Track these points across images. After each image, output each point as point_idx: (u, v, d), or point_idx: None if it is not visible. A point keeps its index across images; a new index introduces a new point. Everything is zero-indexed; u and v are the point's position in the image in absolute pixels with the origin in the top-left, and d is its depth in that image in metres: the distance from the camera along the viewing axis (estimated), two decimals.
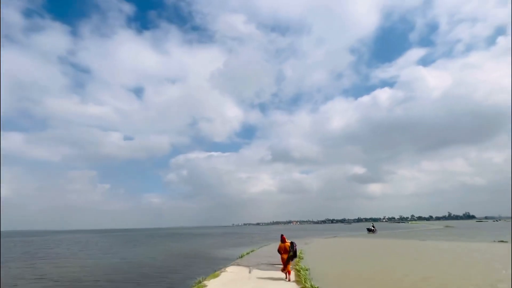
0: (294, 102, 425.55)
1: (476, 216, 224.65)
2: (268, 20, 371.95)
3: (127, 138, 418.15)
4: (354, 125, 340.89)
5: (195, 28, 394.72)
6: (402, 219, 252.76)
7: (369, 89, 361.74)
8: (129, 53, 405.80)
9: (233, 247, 26.84)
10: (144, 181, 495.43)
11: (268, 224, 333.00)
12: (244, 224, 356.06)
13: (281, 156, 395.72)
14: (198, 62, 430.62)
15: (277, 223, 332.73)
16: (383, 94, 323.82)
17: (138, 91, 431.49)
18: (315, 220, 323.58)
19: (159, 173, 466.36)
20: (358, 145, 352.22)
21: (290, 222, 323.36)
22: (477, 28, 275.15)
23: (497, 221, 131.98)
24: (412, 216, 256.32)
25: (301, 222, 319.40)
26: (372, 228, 45.27)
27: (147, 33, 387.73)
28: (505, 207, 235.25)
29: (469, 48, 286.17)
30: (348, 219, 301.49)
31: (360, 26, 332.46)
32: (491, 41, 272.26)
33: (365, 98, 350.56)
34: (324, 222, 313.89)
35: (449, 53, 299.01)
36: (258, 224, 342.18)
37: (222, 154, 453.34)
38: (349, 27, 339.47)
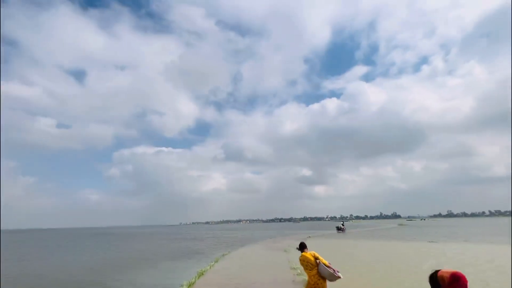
0: (250, 103, 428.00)
1: (401, 215, 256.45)
2: (229, 19, 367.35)
3: (61, 126, 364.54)
4: (304, 130, 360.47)
5: (150, 15, 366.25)
6: (343, 218, 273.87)
7: (319, 97, 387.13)
8: (69, 31, 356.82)
9: (174, 259, 16.10)
10: (80, 175, 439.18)
11: (217, 222, 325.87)
12: (193, 223, 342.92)
13: (234, 155, 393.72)
14: (152, 52, 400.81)
15: (227, 221, 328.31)
16: (331, 104, 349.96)
17: (78, 75, 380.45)
18: (264, 219, 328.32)
19: (100, 167, 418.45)
20: (306, 148, 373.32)
21: (240, 220, 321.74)
22: (407, 55, 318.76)
23: (423, 219, 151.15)
24: (351, 215, 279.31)
25: (251, 221, 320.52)
26: (342, 226, 42.38)
27: (94, 11, 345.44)
28: (422, 207, 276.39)
29: (401, 71, 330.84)
30: (295, 218, 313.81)
31: (314, 39, 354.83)
32: (417, 67, 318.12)
33: (315, 106, 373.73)
34: (273, 220, 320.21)
35: (385, 73, 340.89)
36: (207, 222, 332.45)
37: (173, 150, 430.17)
38: (305, 38, 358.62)
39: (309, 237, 29.97)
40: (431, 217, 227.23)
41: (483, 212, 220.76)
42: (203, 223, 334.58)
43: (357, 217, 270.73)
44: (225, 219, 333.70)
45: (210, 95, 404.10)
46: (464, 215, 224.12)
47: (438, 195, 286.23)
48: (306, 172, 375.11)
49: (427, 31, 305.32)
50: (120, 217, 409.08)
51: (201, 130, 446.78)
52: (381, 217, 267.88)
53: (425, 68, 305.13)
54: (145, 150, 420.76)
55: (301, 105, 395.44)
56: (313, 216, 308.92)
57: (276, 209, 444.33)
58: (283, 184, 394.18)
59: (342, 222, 46.61)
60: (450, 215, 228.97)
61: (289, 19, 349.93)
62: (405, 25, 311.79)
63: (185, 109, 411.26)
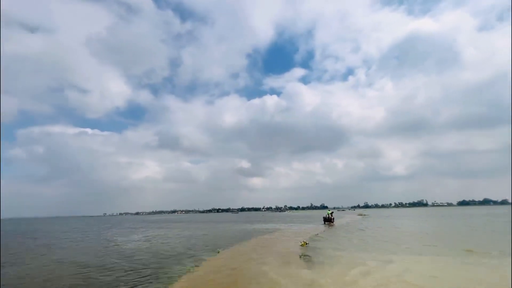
0: (190, 90, 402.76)
1: (328, 206, 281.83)
2: None
3: None
4: (245, 124, 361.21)
5: None
6: (278, 209, 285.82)
7: (261, 93, 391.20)
8: None
9: None
10: None
11: (149, 213, 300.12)
12: (120, 214, 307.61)
13: (170, 143, 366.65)
14: (74, 18, 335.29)
15: (161, 212, 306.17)
16: (271, 101, 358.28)
17: None
18: (201, 209, 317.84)
19: None
20: (246, 141, 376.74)
21: (175, 211, 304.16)
22: (337, 65, 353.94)
23: (344, 210, 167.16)
24: (285, 206, 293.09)
25: (187, 211, 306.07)
26: (330, 216, 33.20)
27: None
28: (344, 199, 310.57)
29: (332, 78, 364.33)
30: (233, 209, 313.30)
31: (258, 37, 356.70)
32: (345, 77, 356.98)
33: (256, 101, 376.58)
34: (210, 211, 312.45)
35: (319, 79, 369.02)
36: (137, 213, 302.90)
37: (99, 133, 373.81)
38: (249, 34, 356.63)
39: (317, 235, 21.30)
40: (351, 207, 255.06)
41: (390, 204, 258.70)
42: (132, 213, 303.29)
43: (291, 208, 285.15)
44: (158, 210, 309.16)
45: (144, 77, 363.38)
46: (376, 206, 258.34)
47: (356, 189, 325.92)
48: (245, 164, 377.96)
49: (354, 47, 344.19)
50: (27, 206, 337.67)
51: (134, 114, 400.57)
52: (312, 207, 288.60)
53: (351, 78, 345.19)
54: (63, 130, 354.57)
55: (243, 99, 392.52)
56: (250, 206, 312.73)
57: (213, 200, 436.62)
58: (221, 174, 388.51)
59: (331, 211, 35.31)
60: (366, 206, 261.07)
61: (234, 12, 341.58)
62: (337, 38, 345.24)
63: (114, 89, 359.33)
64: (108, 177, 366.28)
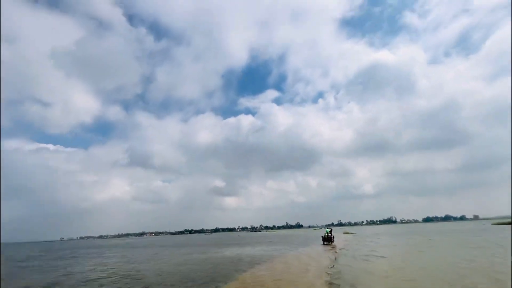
0: (164, 108, 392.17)
1: (303, 225, 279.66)
2: (144, 15, 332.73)
3: None
4: (220, 142, 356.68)
5: None
6: (253, 228, 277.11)
7: (236, 113, 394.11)
8: None
9: None
10: None
11: (115, 236, 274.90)
12: (81, 238, 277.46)
13: (141, 161, 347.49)
14: (40, 29, 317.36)
15: (127, 235, 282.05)
16: (246, 120, 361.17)
17: None
18: (172, 231, 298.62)
19: None
20: (220, 160, 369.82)
21: (144, 233, 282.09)
22: (308, 89, 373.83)
23: (321, 228, 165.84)
24: (261, 225, 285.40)
25: (157, 233, 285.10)
26: (330, 235, 28.26)
27: None
28: (318, 218, 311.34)
29: (303, 101, 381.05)
30: (207, 229, 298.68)
31: (233, 58, 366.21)
32: (315, 100, 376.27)
33: (232, 120, 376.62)
34: (182, 232, 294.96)
35: (291, 101, 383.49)
36: (101, 237, 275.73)
37: (63, 149, 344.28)
38: (224, 55, 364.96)
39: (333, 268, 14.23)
40: (325, 226, 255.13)
41: (362, 222, 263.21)
42: (95, 237, 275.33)
43: (267, 227, 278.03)
44: (125, 232, 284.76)
45: (114, 93, 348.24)
46: (349, 224, 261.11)
47: (329, 207, 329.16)
48: (219, 183, 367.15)
49: (323, 72, 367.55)
50: None
51: (103, 130, 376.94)
52: (287, 226, 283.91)
53: (321, 101, 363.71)
54: (19, 145, 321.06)
55: (218, 118, 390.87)
56: (224, 227, 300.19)
57: (186, 220, 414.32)
58: (194, 194, 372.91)
59: (330, 230, 30.20)
60: (340, 224, 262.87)
61: (210, 33, 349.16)
62: (307, 64, 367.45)
63: (81, 103, 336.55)
64: (69, 197, 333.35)
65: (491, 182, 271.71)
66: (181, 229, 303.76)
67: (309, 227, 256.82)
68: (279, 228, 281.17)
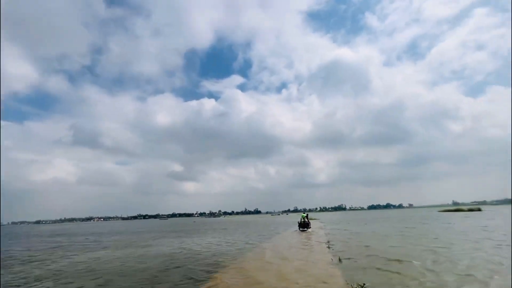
0: (118, 83, 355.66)
1: (261, 211, 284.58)
2: None
3: None
4: (179, 125, 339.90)
5: None
6: (212, 214, 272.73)
7: (198, 96, 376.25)
8: None
9: None
10: None
11: (56, 221, 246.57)
12: (13, 223, 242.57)
13: (89, 140, 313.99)
14: None
15: (72, 220, 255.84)
16: (209, 104, 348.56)
17: None
18: (124, 216, 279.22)
19: None
20: (180, 144, 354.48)
21: (91, 218, 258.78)
22: (272, 78, 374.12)
23: (279, 214, 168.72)
24: (219, 211, 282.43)
25: (106, 219, 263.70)
26: (306, 221, 25.36)
27: None
28: (275, 204, 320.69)
29: (267, 89, 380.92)
30: (163, 215, 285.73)
31: (197, 39, 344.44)
32: (279, 90, 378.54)
33: (193, 103, 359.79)
34: (135, 217, 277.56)
35: (255, 88, 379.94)
36: (38, 222, 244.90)
37: None
38: (188, 34, 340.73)
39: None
40: (282, 212, 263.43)
41: (316, 208, 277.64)
42: (31, 222, 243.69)
43: (225, 213, 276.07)
44: (68, 217, 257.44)
45: (56, 61, 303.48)
46: (304, 210, 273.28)
47: (286, 194, 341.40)
48: (178, 167, 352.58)
49: (288, 63, 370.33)
50: None
51: (41, 103, 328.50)
52: (246, 212, 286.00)
53: (284, 92, 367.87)
54: None
55: (179, 100, 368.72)
56: (182, 212, 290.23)
57: (140, 205, 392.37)
58: (151, 178, 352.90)
59: (306, 214, 27.31)
60: (295, 210, 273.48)
61: (173, 8, 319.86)
62: (273, 53, 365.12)
63: (13, 69, 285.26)
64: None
65: (423, 176, 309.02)
66: (134, 214, 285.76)
67: (267, 213, 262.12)
68: (237, 213, 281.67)
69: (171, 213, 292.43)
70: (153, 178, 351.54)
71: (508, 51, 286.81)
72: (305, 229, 24.57)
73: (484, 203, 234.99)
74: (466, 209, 51.71)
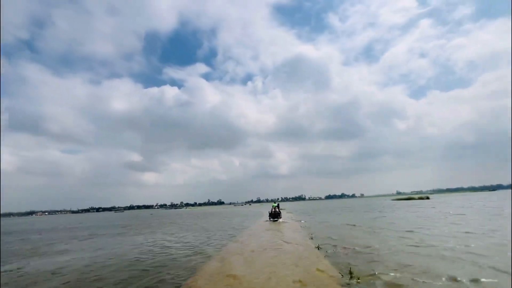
0: (66, 63, 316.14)
1: (225, 202, 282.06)
2: None
3: None
4: (139, 113, 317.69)
5: None
6: (173, 205, 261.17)
7: (160, 82, 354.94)
8: None
9: None
10: None
11: None
12: None
13: (29, 125, 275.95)
14: None
15: (9, 215, 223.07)
16: (171, 92, 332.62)
17: None
18: (74, 209, 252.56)
19: None
20: (139, 133, 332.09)
21: (32, 212, 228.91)
22: (238, 69, 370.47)
23: (243, 205, 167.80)
24: (181, 202, 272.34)
25: (52, 212, 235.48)
26: (277, 210, 23.56)
27: None
28: (239, 195, 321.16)
29: (232, 80, 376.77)
30: (119, 207, 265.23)
31: (158, 20, 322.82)
32: (244, 82, 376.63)
33: (154, 90, 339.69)
34: (87, 211, 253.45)
35: (220, 79, 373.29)
36: None
37: None
38: (148, 15, 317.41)
39: None
40: (245, 202, 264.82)
41: (278, 198, 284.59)
42: None
43: (187, 204, 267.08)
44: (4, 211, 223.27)
45: None
46: (267, 200, 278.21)
47: (250, 185, 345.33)
48: (136, 157, 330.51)
49: (254, 55, 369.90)
50: None
51: None
52: (209, 203, 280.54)
53: (249, 84, 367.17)
54: None
55: (138, 85, 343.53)
56: (140, 204, 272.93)
57: (93, 197, 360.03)
58: (105, 168, 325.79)
59: (277, 204, 25.28)
60: (258, 201, 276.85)
61: None
62: (239, 43, 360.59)
63: None
64: None
65: (373, 169, 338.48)
66: (86, 207, 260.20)
67: (230, 203, 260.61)
68: (200, 205, 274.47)
69: (128, 205, 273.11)
70: (108, 168, 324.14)
71: (445, 60, 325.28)
72: (276, 219, 23.10)
73: (420, 192, 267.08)
74: (417, 197, 55.97)
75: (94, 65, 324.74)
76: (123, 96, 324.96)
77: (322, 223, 19.41)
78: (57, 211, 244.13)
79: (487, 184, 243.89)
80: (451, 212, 21.73)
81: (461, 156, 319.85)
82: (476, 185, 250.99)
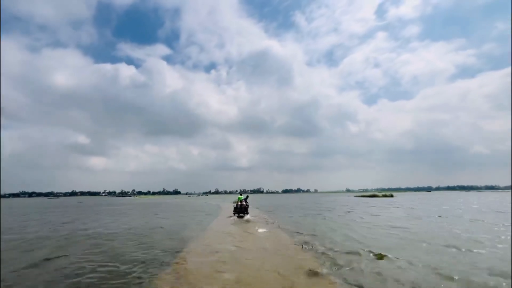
0: None
1: (181, 192, 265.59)
2: None
3: None
4: (86, 90, 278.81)
5: None
6: (124, 193, 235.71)
7: (114, 59, 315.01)
8: None
9: None
10: None
11: None
12: None
13: None
14: None
15: None
16: (127, 72, 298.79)
17: None
18: (1, 193, 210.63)
19: None
20: (86, 112, 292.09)
21: None
22: (201, 56, 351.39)
23: (199, 196, 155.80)
24: (133, 190, 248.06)
25: None
26: (245, 204, 17.34)
27: None
28: (197, 185, 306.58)
29: (195, 66, 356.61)
30: (57, 192, 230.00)
31: None
32: (207, 69, 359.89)
33: (107, 67, 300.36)
34: (17, 195, 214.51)
35: (182, 63, 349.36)
36: None
37: None
38: None
39: None
40: (202, 193, 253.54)
41: (236, 190, 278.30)
42: None
43: (140, 192, 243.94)
44: None
45: None
46: (225, 192, 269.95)
47: (208, 176, 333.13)
48: (82, 139, 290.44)
49: (219, 43, 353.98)
50: None
51: None
52: (164, 192, 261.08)
53: (213, 72, 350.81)
54: None
55: (87, 59, 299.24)
56: (85, 190, 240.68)
57: (27, 180, 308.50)
58: (44, 148, 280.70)
59: (244, 196, 18.88)
60: (216, 192, 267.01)
61: None
62: (204, 29, 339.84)
63: None
64: None
65: (326, 166, 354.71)
66: (16, 191, 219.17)
67: (187, 193, 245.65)
68: (154, 193, 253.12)
69: (70, 190, 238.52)
70: (47, 149, 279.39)
71: (394, 72, 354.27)
72: (242, 215, 16.96)
73: (366, 190, 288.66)
74: (381, 195, 53.54)
75: (33, 30, 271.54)
76: (69, 69, 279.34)
77: (313, 229, 11.56)
78: None
79: (419, 185, 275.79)
80: (465, 216, 16.19)
81: (400, 160, 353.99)
82: (411, 186, 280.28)
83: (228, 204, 33.40)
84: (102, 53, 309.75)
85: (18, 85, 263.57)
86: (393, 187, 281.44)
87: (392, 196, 53.90)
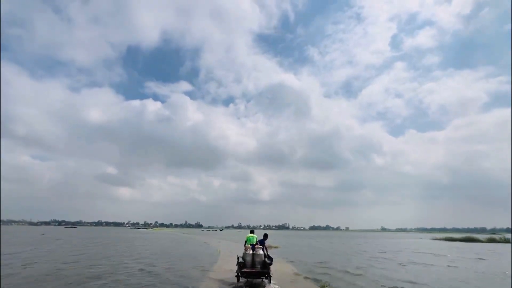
0: (43, 64, 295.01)
1: (203, 225, 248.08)
2: None
3: None
4: (117, 125, 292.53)
5: None
6: (146, 225, 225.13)
7: (141, 96, 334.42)
8: None
9: None
10: None
11: None
12: None
13: None
14: None
15: None
16: (153, 107, 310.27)
17: None
18: (34, 220, 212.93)
19: None
20: (115, 145, 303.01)
21: None
22: (220, 90, 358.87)
23: (221, 230, 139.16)
24: (156, 222, 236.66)
25: (10, 222, 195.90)
26: (261, 251, 6.29)
27: None
28: (218, 219, 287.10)
29: (214, 101, 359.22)
30: (85, 222, 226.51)
31: (141, 35, 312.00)
32: (226, 103, 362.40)
33: (136, 103, 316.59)
34: (47, 223, 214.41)
35: (202, 98, 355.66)
36: None
37: None
38: (131, 28, 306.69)
39: None
40: (225, 227, 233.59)
41: (260, 226, 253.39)
42: None
43: (162, 225, 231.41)
44: None
45: None
46: (248, 227, 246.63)
47: (230, 209, 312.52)
48: (111, 170, 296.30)
49: (236, 78, 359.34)
50: None
51: None
52: (186, 225, 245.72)
53: (232, 106, 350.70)
54: None
55: (119, 97, 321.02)
56: (110, 220, 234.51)
57: (58, 208, 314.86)
58: (76, 178, 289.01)
59: (263, 235, 7.70)
60: (239, 226, 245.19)
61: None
62: (221, 66, 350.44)
63: None
64: None
65: (355, 202, 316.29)
66: (47, 219, 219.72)
67: (209, 227, 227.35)
68: (176, 226, 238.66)
69: (96, 220, 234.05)
70: (78, 179, 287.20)
71: (418, 102, 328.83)
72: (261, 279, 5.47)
73: (405, 230, 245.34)
74: (485, 240, 34.54)
75: (73, 72, 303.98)
76: (102, 106, 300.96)
77: None
78: (13, 221, 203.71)
79: (465, 226, 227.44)
80: None
81: (437, 196, 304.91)
82: (459, 226, 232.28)
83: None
84: (131, 91, 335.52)
85: (58, 121, 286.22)
86: (437, 226, 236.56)
87: (507, 241, 33.52)
